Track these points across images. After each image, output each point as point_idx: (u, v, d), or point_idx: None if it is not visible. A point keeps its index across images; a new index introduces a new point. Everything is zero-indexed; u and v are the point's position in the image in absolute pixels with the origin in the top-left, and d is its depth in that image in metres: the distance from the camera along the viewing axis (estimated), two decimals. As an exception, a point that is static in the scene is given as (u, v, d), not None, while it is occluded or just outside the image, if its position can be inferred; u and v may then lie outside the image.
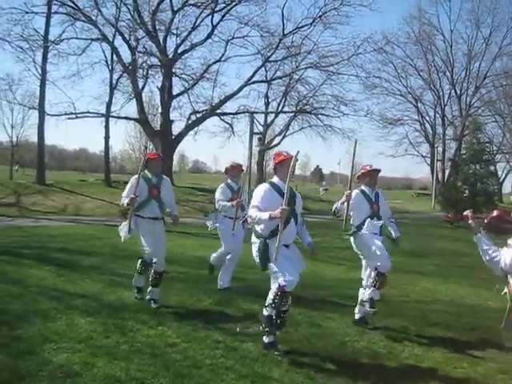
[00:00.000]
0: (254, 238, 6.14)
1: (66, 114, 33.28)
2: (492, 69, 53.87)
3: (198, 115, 37.43)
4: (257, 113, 41.01)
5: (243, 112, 39.03)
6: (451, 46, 53.79)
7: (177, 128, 37.68)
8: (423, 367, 5.66)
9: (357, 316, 7.29)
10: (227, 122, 40.16)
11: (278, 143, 47.14)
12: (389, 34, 46.16)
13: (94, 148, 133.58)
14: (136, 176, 7.54)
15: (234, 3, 35.19)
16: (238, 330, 6.54)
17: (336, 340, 6.43)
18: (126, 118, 38.81)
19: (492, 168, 34.60)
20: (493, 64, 53.66)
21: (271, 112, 46.29)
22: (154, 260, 7.53)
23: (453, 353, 6.16)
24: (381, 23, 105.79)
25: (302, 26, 37.64)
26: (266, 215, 5.75)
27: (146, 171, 7.83)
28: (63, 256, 11.34)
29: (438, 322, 7.57)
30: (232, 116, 39.63)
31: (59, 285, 8.45)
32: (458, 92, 54.76)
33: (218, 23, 35.64)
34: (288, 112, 45.68)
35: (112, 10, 33.22)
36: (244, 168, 9.42)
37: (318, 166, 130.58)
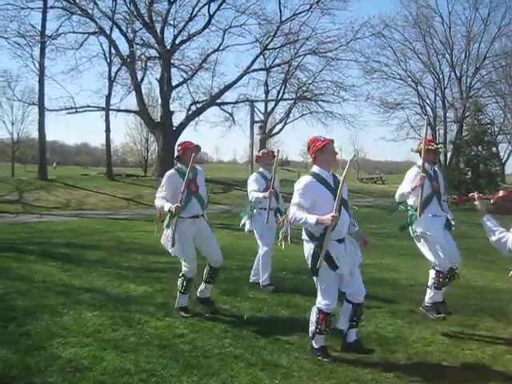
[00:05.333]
0: (305, 236, 5.29)
1: (65, 108, 33.25)
2: (491, 50, 53.10)
3: (198, 105, 37.29)
4: (257, 101, 40.88)
5: (243, 101, 38.84)
6: (450, 28, 53.11)
7: (177, 119, 37.62)
8: (431, 350, 5.66)
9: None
10: (227, 112, 40.04)
11: (279, 131, 47.21)
12: (386, 17, 46.06)
13: (96, 142, 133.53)
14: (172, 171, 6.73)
15: (230, -9, 34.94)
16: (245, 317, 6.56)
17: (343, 326, 6.43)
18: (126, 110, 38.80)
19: (494, 149, 34.51)
20: (492, 45, 52.94)
21: (271, 100, 46.04)
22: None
23: (461, 335, 6.17)
24: (378, 7, 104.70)
25: (300, 13, 37.37)
26: (312, 219, 4.92)
27: (178, 164, 6.76)
28: (68, 251, 11.34)
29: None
30: (232, 105, 39.50)
31: (65, 280, 8.46)
32: (458, 74, 54.24)
33: (215, 12, 35.41)
34: (288, 99, 45.45)
35: (108, 2, 33.18)
36: (273, 154, 8.44)
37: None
